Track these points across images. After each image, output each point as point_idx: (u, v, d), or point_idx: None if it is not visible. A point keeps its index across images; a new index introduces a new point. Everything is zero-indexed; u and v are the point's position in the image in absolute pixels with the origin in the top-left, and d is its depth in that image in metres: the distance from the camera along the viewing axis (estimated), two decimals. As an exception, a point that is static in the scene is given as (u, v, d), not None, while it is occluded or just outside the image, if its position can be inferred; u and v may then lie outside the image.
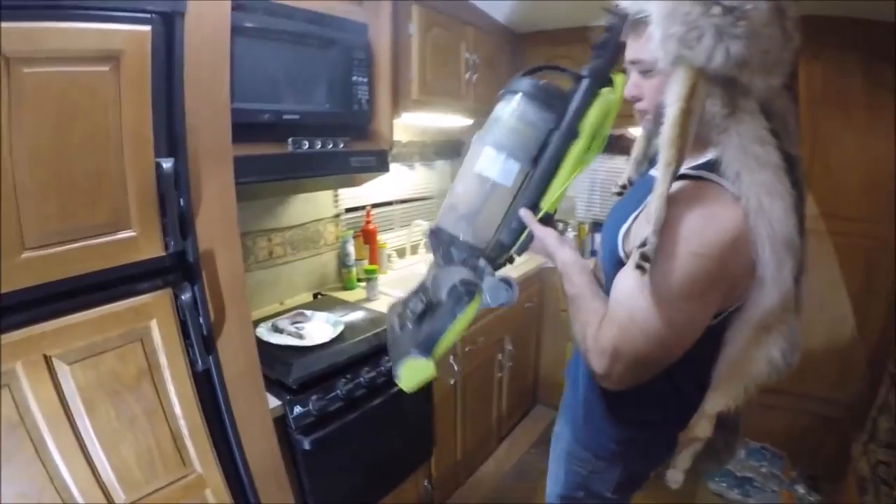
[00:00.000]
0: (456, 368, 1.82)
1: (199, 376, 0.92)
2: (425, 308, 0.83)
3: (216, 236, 0.92)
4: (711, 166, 0.66)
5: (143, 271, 0.82)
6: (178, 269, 0.87)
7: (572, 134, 0.76)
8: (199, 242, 0.88)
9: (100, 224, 0.76)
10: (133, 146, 0.77)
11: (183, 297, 0.85)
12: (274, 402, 1.18)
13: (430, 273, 0.85)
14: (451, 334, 0.79)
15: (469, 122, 2.18)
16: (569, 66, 0.80)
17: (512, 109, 0.78)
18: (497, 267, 0.82)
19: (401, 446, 1.60)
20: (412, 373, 0.79)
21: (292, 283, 1.87)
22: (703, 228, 0.63)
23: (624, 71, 0.75)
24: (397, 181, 2.32)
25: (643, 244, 0.63)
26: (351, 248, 1.95)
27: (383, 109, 1.59)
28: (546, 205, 0.79)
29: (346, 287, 1.97)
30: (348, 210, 2.09)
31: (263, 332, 1.41)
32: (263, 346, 1.27)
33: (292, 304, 1.79)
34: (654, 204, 0.63)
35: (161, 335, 0.85)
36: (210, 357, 0.94)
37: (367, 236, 2.05)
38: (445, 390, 1.81)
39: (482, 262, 0.80)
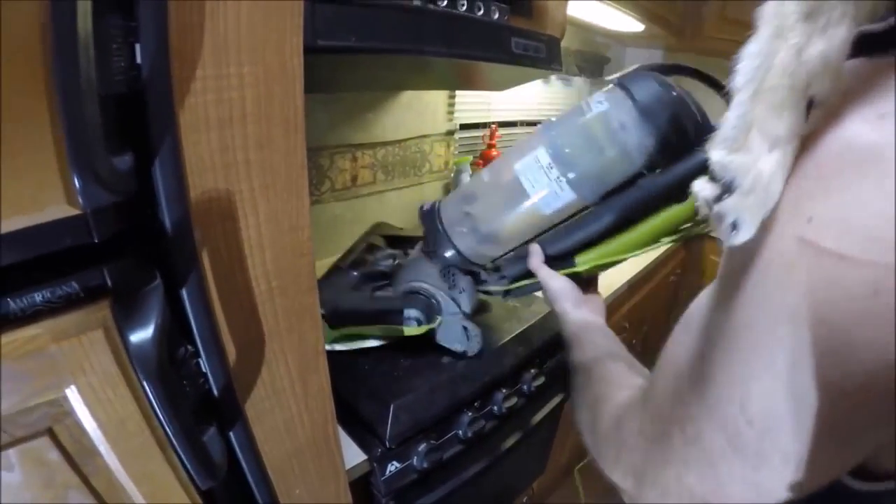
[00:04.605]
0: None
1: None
2: (386, 273, 0.76)
3: (246, 161, 0.35)
4: None
5: (17, 258, 0.27)
6: (130, 247, 0.31)
7: (674, 194, 0.52)
8: (191, 177, 0.32)
9: None
10: None
11: (146, 326, 0.30)
12: (355, 456, 0.68)
13: (418, 247, 0.75)
14: (361, 332, 0.71)
15: (639, 27, 1.66)
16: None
17: (606, 116, 0.54)
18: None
19: (514, 478, 1.18)
20: None
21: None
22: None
23: None
24: (523, 97, 1.73)
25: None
26: (468, 180, 1.37)
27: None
28: (584, 264, 0.59)
29: (452, 235, 1.42)
30: (463, 127, 1.48)
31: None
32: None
33: (378, 253, 1.27)
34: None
35: (97, 416, 0.32)
36: (235, 439, 0.41)
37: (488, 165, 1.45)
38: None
39: (462, 286, 0.69)
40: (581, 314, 0.58)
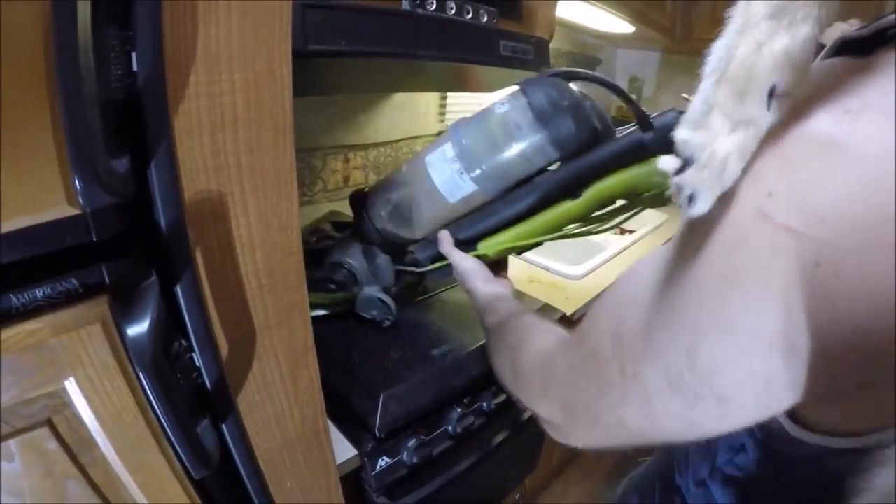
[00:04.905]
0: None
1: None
2: (320, 251, 0.80)
3: (238, 164, 0.36)
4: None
5: (20, 256, 0.28)
6: (128, 246, 0.33)
7: (568, 189, 0.58)
8: (185, 179, 0.33)
9: None
10: None
11: (142, 321, 0.32)
12: (346, 451, 0.70)
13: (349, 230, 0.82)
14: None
15: (630, 29, 1.65)
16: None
17: (506, 118, 0.58)
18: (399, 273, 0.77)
19: (504, 475, 1.17)
20: None
21: (372, 224, 1.35)
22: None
23: None
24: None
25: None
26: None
27: (546, -20, 0.99)
28: (487, 250, 0.64)
29: (443, 235, 1.43)
30: (455, 128, 1.49)
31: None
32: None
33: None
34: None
35: (95, 407, 0.34)
36: (227, 431, 0.43)
37: (478, 167, 1.47)
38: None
39: (380, 262, 0.75)
40: (491, 288, 0.62)
